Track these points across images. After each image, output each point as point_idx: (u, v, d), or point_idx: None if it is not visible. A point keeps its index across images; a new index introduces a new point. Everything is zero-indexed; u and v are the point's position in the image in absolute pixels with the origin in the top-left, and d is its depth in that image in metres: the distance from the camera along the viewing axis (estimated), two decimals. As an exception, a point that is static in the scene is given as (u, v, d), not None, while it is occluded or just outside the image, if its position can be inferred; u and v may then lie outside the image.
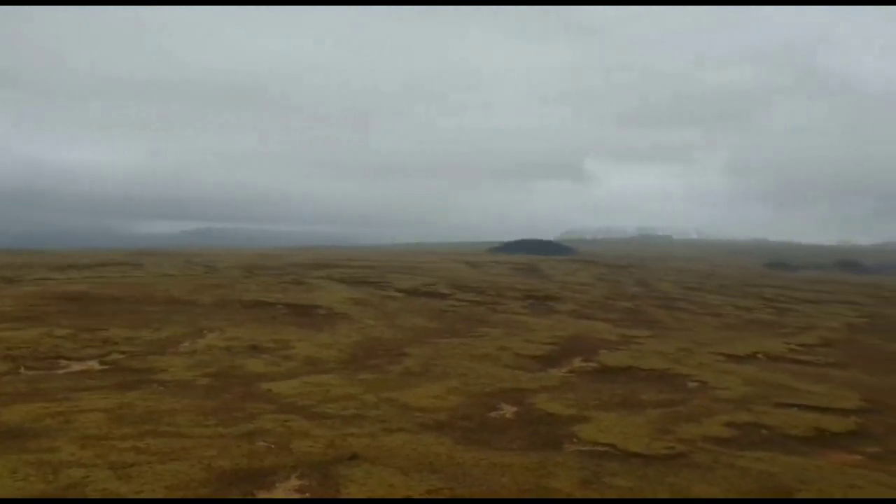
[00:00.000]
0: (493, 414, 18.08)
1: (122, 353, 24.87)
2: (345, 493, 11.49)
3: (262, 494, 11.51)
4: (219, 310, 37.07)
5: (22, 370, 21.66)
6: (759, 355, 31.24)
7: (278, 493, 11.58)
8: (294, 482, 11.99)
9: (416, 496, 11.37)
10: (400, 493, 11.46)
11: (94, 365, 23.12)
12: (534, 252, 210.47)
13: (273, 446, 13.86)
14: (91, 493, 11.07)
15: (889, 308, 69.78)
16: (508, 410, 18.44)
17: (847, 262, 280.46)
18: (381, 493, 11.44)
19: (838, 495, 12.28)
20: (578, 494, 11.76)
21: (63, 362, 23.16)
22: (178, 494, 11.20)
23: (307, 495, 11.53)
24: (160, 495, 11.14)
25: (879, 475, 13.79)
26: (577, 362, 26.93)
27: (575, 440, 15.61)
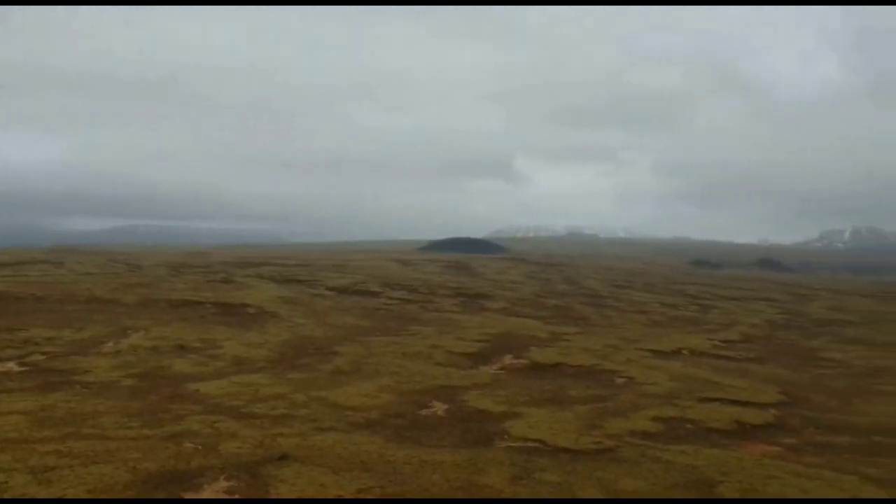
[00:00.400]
0: (424, 412, 18.12)
1: (44, 353, 24.07)
2: (274, 494, 11.37)
3: (189, 496, 11.30)
4: (144, 309, 36.19)
5: (-67, 373, 20.76)
6: (684, 351, 32.06)
7: (206, 495, 11.38)
8: (222, 483, 11.80)
9: (347, 496, 11.32)
10: (331, 493, 11.39)
11: (13, 366, 22.32)
12: (465, 250, 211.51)
13: (200, 448, 13.61)
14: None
15: (806, 305, 72.43)
16: (440, 408, 18.51)
17: (768, 261, 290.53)
18: (311, 493, 11.35)
19: (758, 486, 12.68)
20: (508, 490, 11.87)
21: (-21, 364, 22.30)
22: (101, 497, 10.90)
23: (236, 496, 11.36)
24: (82, 498, 10.83)
25: (796, 466, 14.30)
26: (508, 359, 27.20)
27: (505, 436, 15.76)
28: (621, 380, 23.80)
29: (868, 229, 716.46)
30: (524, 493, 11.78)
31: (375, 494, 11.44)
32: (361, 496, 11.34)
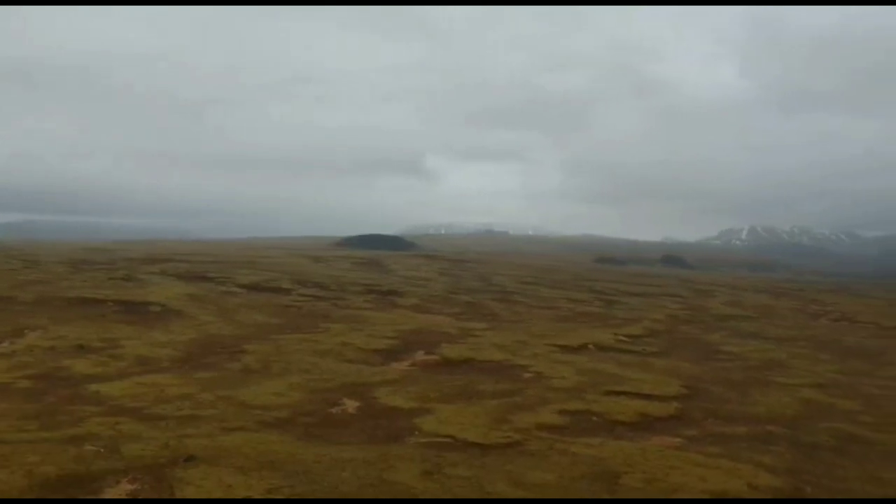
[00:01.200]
0: (335, 409, 18.01)
1: (-71, 355, 22.83)
2: (180, 496, 11.10)
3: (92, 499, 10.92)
4: (41, 307, 34.70)
5: None
6: (590, 346, 32.80)
7: (108, 498, 11.02)
8: (125, 486, 11.44)
9: (255, 496, 11.15)
10: (239, 494, 11.20)
11: None
12: (377, 247, 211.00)
13: (102, 450, 13.14)
14: None
15: (706, 300, 75.20)
16: (351, 405, 18.43)
17: (670, 258, 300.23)
18: (218, 494, 11.13)
19: (660, 476, 13.11)
20: (419, 486, 11.92)
21: None
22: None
23: (140, 498, 11.04)
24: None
25: (696, 456, 14.87)
26: (419, 355, 27.29)
27: (416, 432, 15.81)
28: (529, 374, 24.19)
29: (764, 228, 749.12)
30: (434, 489, 11.85)
31: (285, 494, 11.30)
32: (270, 496, 11.19)
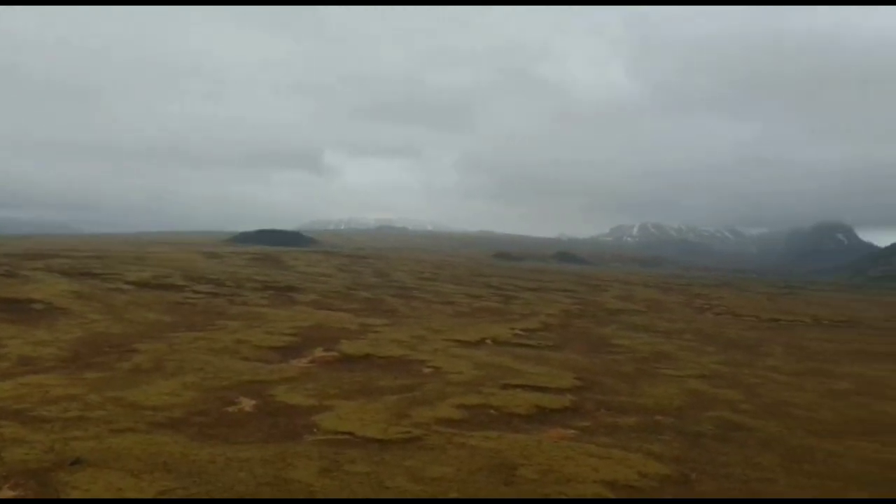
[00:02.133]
0: (230, 408, 17.64)
1: None
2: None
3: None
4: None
5: None
6: (488, 340, 33.29)
7: (-13, 507, 10.50)
8: (6, 493, 10.92)
9: (147, 497, 10.84)
10: (130, 497, 10.86)
11: None
12: (275, 243, 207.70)
13: (-20, 456, 12.49)
14: None
15: (599, 295, 77.44)
16: (247, 404, 18.10)
17: (565, 254, 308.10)
18: (107, 497, 10.76)
19: (556, 467, 13.46)
20: (318, 484, 11.86)
21: None
22: None
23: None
24: None
25: (589, 446, 15.34)
26: (318, 352, 27.05)
27: (315, 430, 15.70)
28: (428, 369, 24.35)
29: (653, 225, 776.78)
30: (333, 486, 11.81)
31: (178, 496, 11.04)
32: (163, 498, 10.90)
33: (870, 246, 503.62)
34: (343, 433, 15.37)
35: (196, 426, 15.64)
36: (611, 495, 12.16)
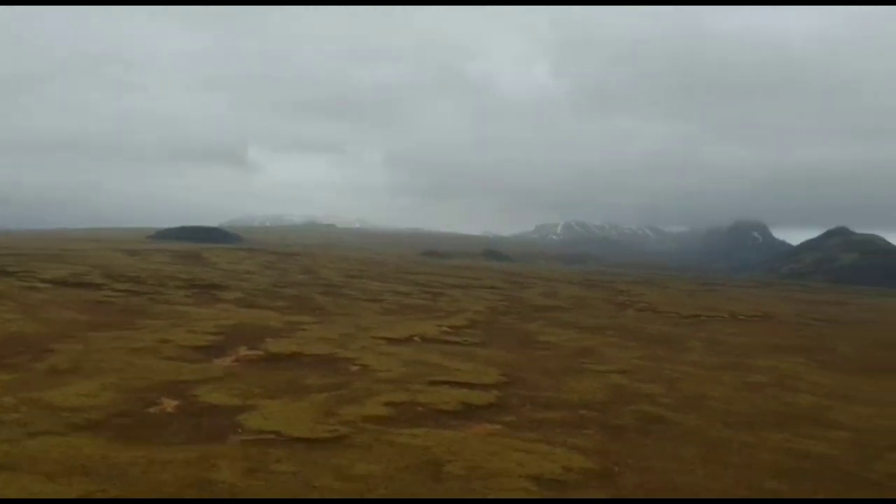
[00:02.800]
0: (152, 409, 17.23)
1: None
2: (-22, 508, 10.27)
3: None
4: None
5: None
6: (416, 338, 33.35)
7: None
8: (-88, 502, 10.45)
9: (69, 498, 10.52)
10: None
11: None
12: (198, 240, 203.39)
13: None
14: None
15: (524, 292, 78.39)
16: (169, 404, 17.71)
17: (491, 252, 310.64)
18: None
19: (482, 463, 13.60)
20: (242, 484, 11.71)
21: None
22: None
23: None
24: None
25: (515, 441, 15.55)
26: (243, 351, 26.64)
27: (240, 430, 15.47)
28: (356, 367, 24.26)
29: (577, 223, 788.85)
30: (258, 486, 11.69)
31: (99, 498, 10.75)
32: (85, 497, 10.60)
33: (783, 244, 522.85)
34: (269, 433, 15.20)
35: (116, 428, 15.23)
36: (536, 490, 12.35)
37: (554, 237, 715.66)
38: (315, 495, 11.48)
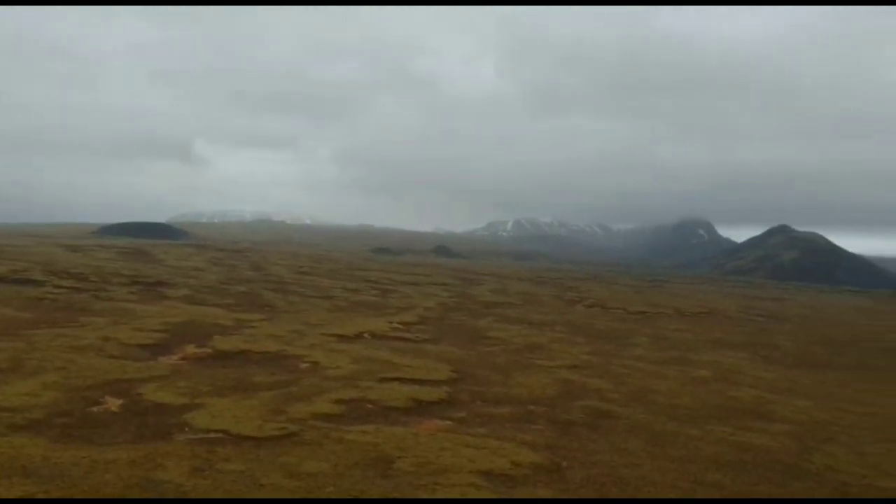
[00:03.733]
0: (96, 408, 16.88)
1: None
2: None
3: None
4: None
5: None
6: (366, 334, 33.28)
7: None
8: None
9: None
10: (-16, 504, 10.25)
11: None
12: (144, 235, 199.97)
13: None
14: None
15: (475, 288, 78.73)
16: (114, 403, 17.37)
17: (442, 248, 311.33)
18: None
19: (432, 459, 13.65)
20: (189, 483, 11.56)
21: None
22: None
23: None
24: None
25: (464, 437, 15.64)
26: (190, 349, 26.26)
27: (186, 429, 15.26)
28: (306, 364, 24.12)
29: (527, 220, 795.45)
30: (205, 485, 11.55)
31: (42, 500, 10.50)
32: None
33: (727, 241, 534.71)
34: (216, 431, 15.02)
35: (58, 428, 14.89)
36: (486, 485, 12.43)
37: (504, 234, 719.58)
38: (262, 494, 11.39)
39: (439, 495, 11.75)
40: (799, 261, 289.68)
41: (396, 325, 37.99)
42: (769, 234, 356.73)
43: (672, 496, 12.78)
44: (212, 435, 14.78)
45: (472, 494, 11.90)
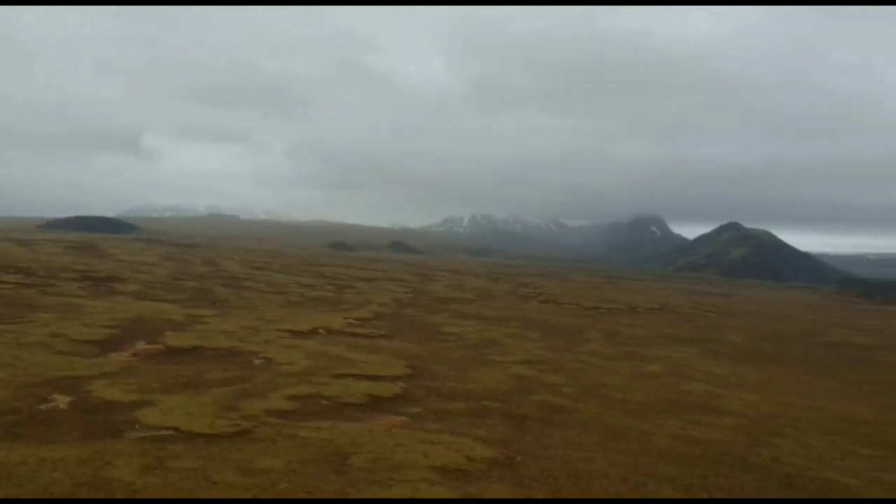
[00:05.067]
0: (44, 406, 16.53)
1: None
2: None
3: None
4: None
5: None
6: (321, 330, 33.11)
7: None
8: None
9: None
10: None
11: None
12: (94, 230, 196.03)
13: None
14: None
15: (430, 284, 78.80)
16: (62, 401, 17.03)
17: (398, 244, 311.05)
18: None
19: (387, 455, 13.65)
20: (140, 482, 11.40)
21: None
22: None
23: None
24: None
25: (419, 433, 15.67)
26: (141, 345, 25.85)
27: (137, 426, 15.03)
28: (259, 360, 23.92)
29: (483, 216, 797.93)
30: (156, 484, 11.40)
31: (-17, 501, 10.27)
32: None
33: (679, 238, 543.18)
34: (167, 429, 14.82)
35: (5, 426, 14.56)
36: (440, 480, 12.48)
37: (460, 230, 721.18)
38: (214, 491, 11.28)
39: (394, 491, 11.76)
40: (749, 257, 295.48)
41: (352, 321, 37.87)
42: (720, 231, 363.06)
43: (624, 489, 12.97)
44: (163, 432, 14.58)
45: (427, 490, 11.94)
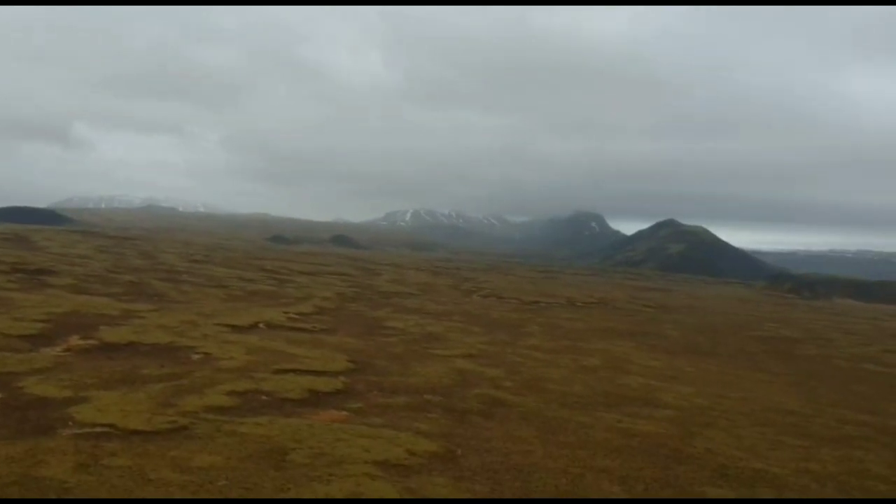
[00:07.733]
0: (-29, 403, 16.04)
1: None
2: None
3: None
4: None
5: None
6: (261, 325, 32.77)
7: None
8: None
9: None
10: None
11: None
12: (24, 221, 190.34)
13: None
14: None
15: (373, 278, 78.60)
16: (-9, 398, 16.54)
17: (341, 238, 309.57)
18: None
19: (328, 450, 13.60)
20: (73, 480, 11.15)
21: None
22: None
23: None
24: None
25: (361, 427, 15.65)
26: (75, 340, 25.22)
27: (71, 423, 14.68)
28: (198, 356, 23.56)
29: (426, 211, 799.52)
30: (90, 482, 11.16)
31: None
32: None
33: (618, 234, 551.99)
34: (102, 425, 14.51)
35: (-71, 425, 14.08)
36: (381, 475, 12.50)
37: (403, 224, 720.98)
38: (151, 489, 11.10)
39: (334, 486, 11.73)
40: (685, 253, 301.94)
41: (293, 316, 37.55)
42: (658, 227, 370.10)
43: (563, 482, 13.17)
44: (98, 429, 14.27)
45: (368, 484, 11.94)
